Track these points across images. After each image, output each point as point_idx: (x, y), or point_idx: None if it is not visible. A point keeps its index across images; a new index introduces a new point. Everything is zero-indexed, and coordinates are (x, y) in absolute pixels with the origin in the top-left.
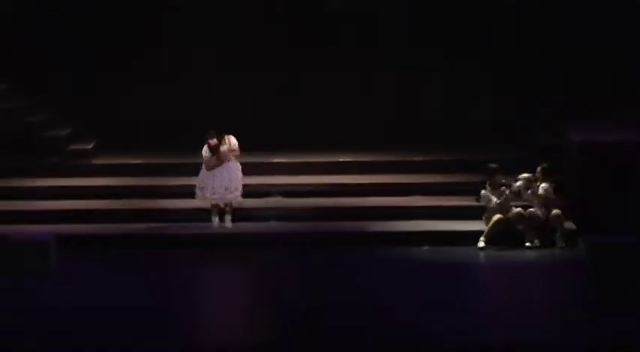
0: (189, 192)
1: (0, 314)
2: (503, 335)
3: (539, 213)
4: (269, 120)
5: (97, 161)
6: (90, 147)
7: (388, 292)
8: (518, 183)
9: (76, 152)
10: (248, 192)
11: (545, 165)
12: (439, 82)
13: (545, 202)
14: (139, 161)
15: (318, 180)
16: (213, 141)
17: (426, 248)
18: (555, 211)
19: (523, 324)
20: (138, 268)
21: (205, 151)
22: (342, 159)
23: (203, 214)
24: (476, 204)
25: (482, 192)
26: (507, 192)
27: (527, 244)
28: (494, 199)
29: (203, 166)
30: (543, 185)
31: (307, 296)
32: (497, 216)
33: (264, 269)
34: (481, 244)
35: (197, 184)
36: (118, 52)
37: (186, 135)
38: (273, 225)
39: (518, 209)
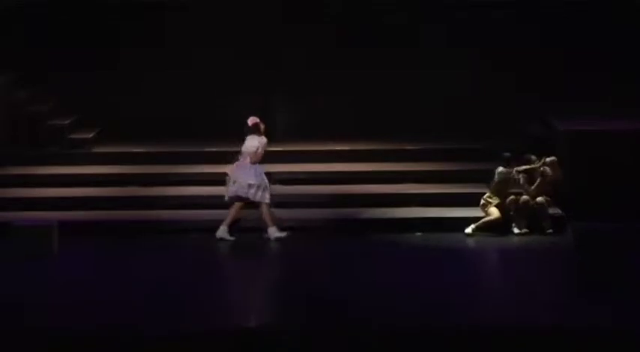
0: (188, 180)
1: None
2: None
3: (529, 200)
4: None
5: (97, 149)
6: (90, 136)
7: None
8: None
9: (76, 141)
10: None
11: (532, 156)
12: (435, 74)
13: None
14: (140, 149)
15: (313, 168)
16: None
17: (419, 234)
18: (540, 198)
19: (512, 306)
20: (143, 254)
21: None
22: (338, 148)
23: (202, 201)
24: (467, 191)
25: (500, 169)
26: (520, 178)
27: (516, 230)
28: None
29: (256, 162)
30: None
31: (307, 280)
32: (496, 216)
33: (262, 256)
34: (469, 230)
35: (258, 183)
36: (118, 49)
37: (185, 129)
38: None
39: (512, 196)
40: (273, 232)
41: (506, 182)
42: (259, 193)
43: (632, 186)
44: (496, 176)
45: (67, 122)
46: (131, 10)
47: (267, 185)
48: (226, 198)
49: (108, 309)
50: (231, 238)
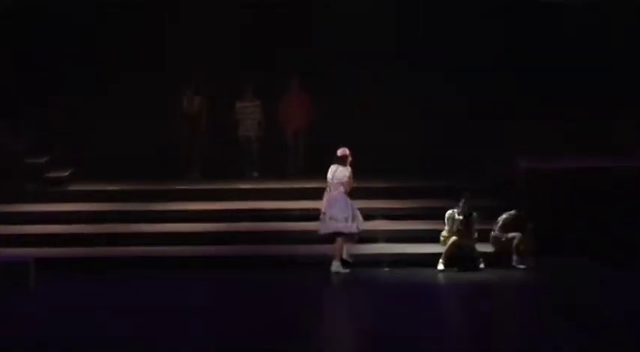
0: (164, 217)
1: None
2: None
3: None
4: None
5: (72, 187)
6: (66, 174)
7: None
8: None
9: (52, 179)
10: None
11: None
12: (400, 109)
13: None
14: (114, 188)
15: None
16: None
17: (387, 269)
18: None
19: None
20: (120, 290)
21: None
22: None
23: (176, 239)
24: (432, 227)
25: (449, 212)
26: (460, 217)
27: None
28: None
29: (344, 193)
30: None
31: (278, 317)
32: (452, 239)
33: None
34: (440, 266)
35: (351, 214)
36: (93, 85)
37: (156, 167)
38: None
39: (454, 238)
40: (337, 266)
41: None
42: (352, 225)
43: (591, 221)
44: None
45: (43, 160)
46: (100, 51)
47: (358, 215)
48: (321, 233)
49: (82, 345)
50: (346, 271)
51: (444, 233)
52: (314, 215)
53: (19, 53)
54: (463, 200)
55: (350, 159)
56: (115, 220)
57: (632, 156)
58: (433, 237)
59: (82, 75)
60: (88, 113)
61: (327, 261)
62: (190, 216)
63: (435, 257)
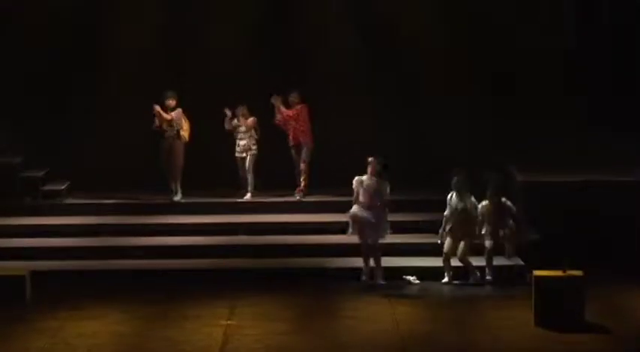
0: (157, 230)
1: None
2: None
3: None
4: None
5: (69, 201)
6: (63, 187)
7: None
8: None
9: (49, 192)
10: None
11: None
12: (397, 125)
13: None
14: (111, 201)
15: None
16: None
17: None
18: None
19: None
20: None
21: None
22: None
23: (171, 251)
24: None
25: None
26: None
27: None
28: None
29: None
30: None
31: None
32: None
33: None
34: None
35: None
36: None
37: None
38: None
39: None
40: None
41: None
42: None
43: (589, 235)
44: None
45: (40, 174)
46: (98, 60)
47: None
48: (369, 241)
49: None
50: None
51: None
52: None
53: (28, 69)
54: (456, 178)
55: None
56: (112, 233)
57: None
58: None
59: (81, 91)
60: (85, 126)
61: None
62: (190, 229)
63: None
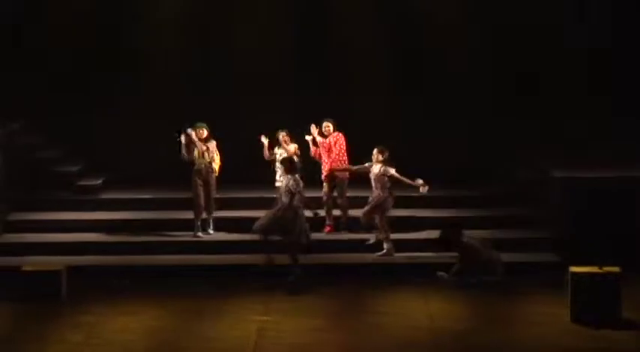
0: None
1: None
2: None
3: None
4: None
5: (104, 195)
6: (98, 182)
7: None
8: None
9: (84, 187)
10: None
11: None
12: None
13: None
14: (147, 196)
15: None
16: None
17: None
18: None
19: None
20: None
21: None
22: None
23: (203, 246)
24: None
25: None
26: None
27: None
28: None
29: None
30: None
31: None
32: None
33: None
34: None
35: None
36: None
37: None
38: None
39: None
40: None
41: None
42: None
43: (622, 232)
44: None
45: (75, 169)
46: (133, 58)
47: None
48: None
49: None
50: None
51: None
52: None
53: (55, 68)
54: None
55: None
56: (147, 228)
57: None
58: None
59: (116, 88)
60: (121, 120)
61: None
62: (225, 224)
63: None
